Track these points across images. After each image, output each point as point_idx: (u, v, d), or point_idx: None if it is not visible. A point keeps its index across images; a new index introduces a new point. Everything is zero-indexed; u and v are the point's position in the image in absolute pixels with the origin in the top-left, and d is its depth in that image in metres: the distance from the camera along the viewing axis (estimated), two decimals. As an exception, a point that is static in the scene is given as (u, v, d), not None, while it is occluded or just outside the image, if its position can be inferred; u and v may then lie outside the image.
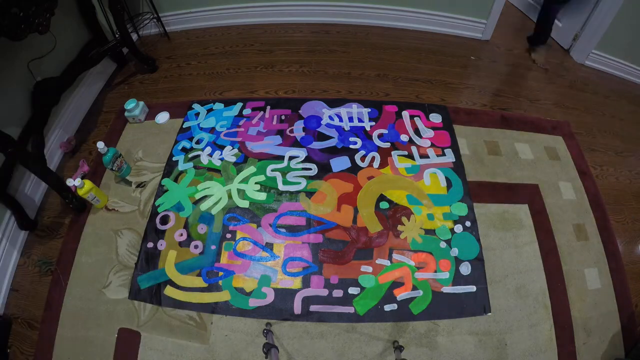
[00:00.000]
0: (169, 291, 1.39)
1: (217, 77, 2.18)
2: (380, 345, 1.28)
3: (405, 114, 1.92)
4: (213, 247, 1.48)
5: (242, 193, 1.62)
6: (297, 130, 1.84)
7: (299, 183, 1.64)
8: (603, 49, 2.24)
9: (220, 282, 1.40)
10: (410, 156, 1.74)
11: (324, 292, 1.37)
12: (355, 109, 1.95)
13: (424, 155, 1.74)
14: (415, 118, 1.90)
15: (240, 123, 1.89)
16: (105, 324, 1.34)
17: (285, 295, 1.37)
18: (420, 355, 1.26)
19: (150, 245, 1.50)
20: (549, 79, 2.23)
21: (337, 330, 1.30)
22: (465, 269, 1.42)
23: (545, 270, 1.44)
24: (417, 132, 1.84)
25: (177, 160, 1.75)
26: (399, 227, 1.52)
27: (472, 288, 1.38)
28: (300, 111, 1.93)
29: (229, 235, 1.51)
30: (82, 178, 1.67)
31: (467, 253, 1.46)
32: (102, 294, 1.40)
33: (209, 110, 1.96)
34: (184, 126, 1.90)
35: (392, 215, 1.55)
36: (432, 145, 1.78)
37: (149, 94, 2.11)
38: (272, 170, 1.68)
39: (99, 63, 1.98)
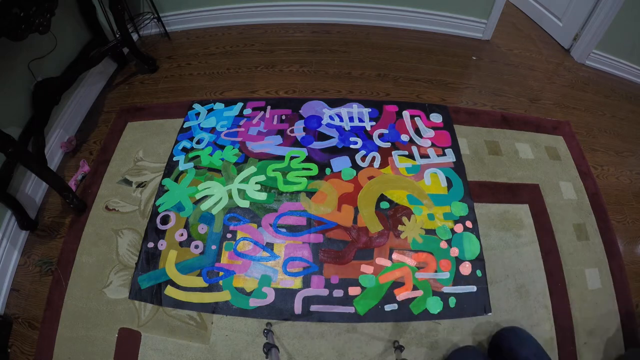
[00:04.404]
0: (170, 291, 1.39)
1: (217, 77, 2.18)
2: (381, 345, 1.28)
3: (406, 113, 1.92)
4: (213, 247, 1.48)
5: (242, 193, 1.62)
6: (298, 130, 1.84)
7: (300, 183, 1.64)
8: (604, 48, 2.24)
9: (220, 282, 1.40)
10: (410, 156, 1.74)
11: (325, 292, 1.37)
12: (355, 108, 1.95)
13: (424, 155, 1.74)
14: (415, 118, 1.90)
15: (241, 123, 1.89)
16: (105, 323, 1.34)
17: (285, 295, 1.37)
18: (421, 355, 1.26)
19: (150, 245, 1.50)
20: (549, 79, 2.23)
21: (337, 330, 1.30)
22: (466, 269, 1.42)
23: (546, 270, 1.44)
24: (417, 132, 1.84)
25: (178, 160, 1.75)
26: (400, 227, 1.51)
27: (473, 288, 1.38)
28: (300, 111, 1.93)
29: (229, 235, 1.51)
30: (83, 178, 1.68)
31: (468, 253, 1.46)
32: (103, 294, 1.40)
33: (210, 110, 1.96)
34: (184, 126, 1.90)
35: (393, 215, 1.55)
36: (433, 145, 1.78)
37: (149, 94, 2.11)
38: (273, 170, 1.68)
39: (100, 63, 1.98)
